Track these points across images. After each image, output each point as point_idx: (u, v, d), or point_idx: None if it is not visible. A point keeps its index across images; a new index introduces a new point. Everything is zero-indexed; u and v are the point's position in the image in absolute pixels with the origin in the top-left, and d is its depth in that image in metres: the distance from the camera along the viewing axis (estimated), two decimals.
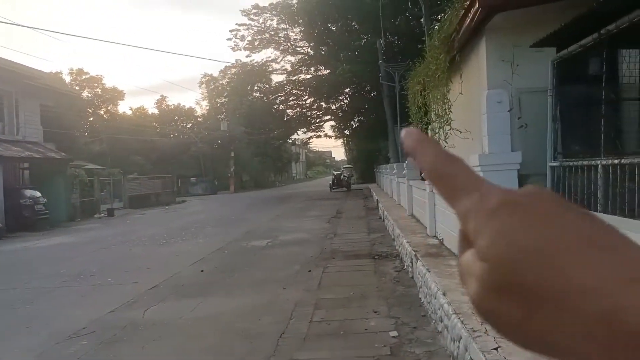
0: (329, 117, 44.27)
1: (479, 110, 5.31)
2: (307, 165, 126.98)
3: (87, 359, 5.41)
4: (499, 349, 3.39)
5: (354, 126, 43.42)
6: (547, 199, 0.34)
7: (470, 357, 3.62)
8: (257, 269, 9.90)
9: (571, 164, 4.15)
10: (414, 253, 7.47)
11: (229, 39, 38.94)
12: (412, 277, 7.68)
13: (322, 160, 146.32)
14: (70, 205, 28.01)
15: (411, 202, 13.16)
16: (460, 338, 3.93)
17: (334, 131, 47.68)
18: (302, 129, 45.92)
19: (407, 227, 10.72)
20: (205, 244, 14.20)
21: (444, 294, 5.00)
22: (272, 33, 38.86)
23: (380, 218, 17.15)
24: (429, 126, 8.35)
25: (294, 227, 16.69)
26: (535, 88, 5.19)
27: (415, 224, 11.22)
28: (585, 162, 3.84)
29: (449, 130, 6.03)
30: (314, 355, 5.03)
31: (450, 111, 5.98)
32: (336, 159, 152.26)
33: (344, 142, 75.43)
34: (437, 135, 6.67)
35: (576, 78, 4.24)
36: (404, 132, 0.43)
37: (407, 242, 8.54)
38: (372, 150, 55.37)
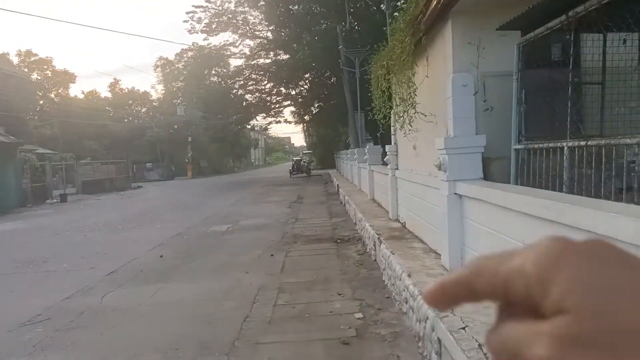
0: (289, 102, 43.97)
1: (444, 93, 5.32)
2: (266, 151, 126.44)
3: (43, 346, 5.21)
4: (466, 329, 3.42)
5: (314, 112, 43.29)
6: (604, 243, 0.33)
7: (438, 337, 3.64)
8: (218, 253, 9.77)
9: (536, 146, 4.20)
10: (377, 236, 7.50)
11: (186, 21, 37.96)
12: (375, 260, 7.71)
13: (281, 147, 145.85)
14: (20, 190, 27.09)
15: (372, 187, 13.23)
16: (427, 318, 3.96)
17: (293, 117, 47.46)
18: (262, 115, 45.49)
19: (369, 211, 10.77)
20: (164, 229, 13.93)
21: (409, 276, 5.03)
22: (230, 16, 38.15)
23: (342, 203, 17.19)
24: (392, 110, 8.36)
25: (255, 212, 16.57)
26: (500, 72, 5.22)
27: (376, 208, 11.29)
28: (551, 145, 3.89)
29: (414, 113, 6.02)
30: (279, 338, 4.98)
31: (415, 95, 5.97)
32: (295, 145, 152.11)
33: (303, 128, 75.35)
34: (401, 119, 6.67)
35: (542, 61, 4.28)
36: (424, 296, 0.39)
37: (370, 225, 8.57)
38: (331, 136, 55.58)
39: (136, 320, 5.92)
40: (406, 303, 4.97)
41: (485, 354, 2.99)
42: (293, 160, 47.17)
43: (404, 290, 5.05)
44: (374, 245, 7.75)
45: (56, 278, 8.60)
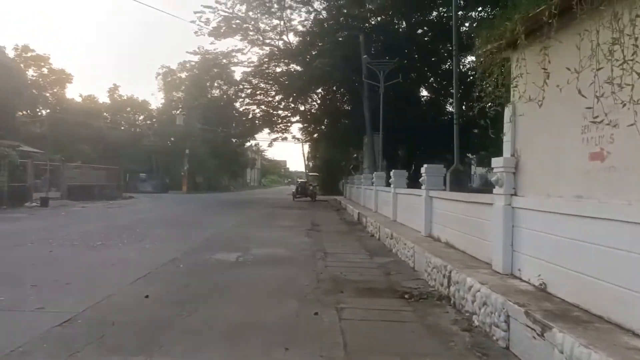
0: (297, 118, 41.00)
1: None
2: (262, 172, 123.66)
3: None
4: None
5: (324, 130, 40.28)
6: None
7: None
8: (231, 300, 6.60)
9: None
10: (522, 310, 4.38)
11: (193, 22, 35.04)
12: (507, 348, 4.59)
13: (277, 169, 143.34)
14: None
15: (429, 219, 10.13)
16: None
17: (302, 134, 44.41)
18: (267, 129, 42.42)
19: (446, 255, 7.62)
20: (154, 251, 10.81)
21: None
22: (239, 21, 35.37)
23: (373, 236, 14.08)
24: (512, 98, 5.40)
25: (267, 238, 13.40)
26: None
27: (448, 250, 8.13)
28: None
29: None
30: None
31: None
32: (290, 169, 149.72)
33: (303, 151, 72.41)
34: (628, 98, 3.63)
35: None
36: None
37: (482, 283, 5.43)
38: (336, 159, 52.50)
39: None
40: None
41: None
42: (298, 182, 44.02)
43: None
44: (506, 321, 4.62)
45: None
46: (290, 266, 9.18)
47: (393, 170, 14.76)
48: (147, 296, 6.59)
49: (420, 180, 10.69)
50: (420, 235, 10.23)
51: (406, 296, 6.78)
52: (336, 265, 9.21)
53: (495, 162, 6.27)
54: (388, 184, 18.06)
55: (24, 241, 12.00)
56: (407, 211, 12.87)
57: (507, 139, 6.23)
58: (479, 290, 5.37)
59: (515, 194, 6.00)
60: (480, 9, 27.12)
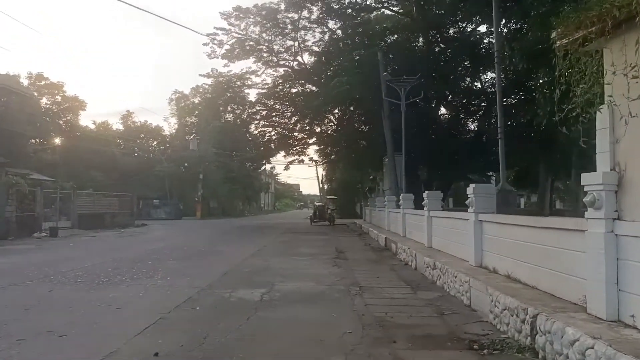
0: (314, 140, 39.92)
1: None
2: (276, 197, 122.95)
3: None
4: None
5: (340, 152, 39.15)
6: None
7: None
8: (261, 358, 5.33)
9: None
10: None
11: (206, 44, 34.32)
12: None
13: (290, 193, 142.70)
14: (2, 219, 22.90)
15: (480, 248, 8.82)
16: None
17: (319, 156, 43.26)
18: (282, 152, 41.35)
19: (514, 292, 6.30)
20: (166, 288, 9.58)
21: None
22: (253, 43, 34.68)
23: (407, 264, 12.76)
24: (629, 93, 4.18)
25: (291, 269, 12.14)
26: None
27: (519, 287, 6.72)
28: None
29: None
30: None
31: None
32: (303, 192, 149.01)
33: (317, 175, 71.23)
34: None
35: None
36: None
37: (592, 337, 4.11)
38: (353, 182, 51.41)
39: None
40: None
41: None
42: (315, 205, 42.79)
43: None
44: None
45: None
46: (324, 305, 7.89)
47: (426, 192, 13.47)
48: (156, 354, 5.32)
49: (467, 202, 9.40)
50: (470, 266, 8.90)
51: (475, 346, 5.46)
52: (378, 304, 7.90)
53: (590, 178, 4.99)
54: (414, 206, 16.80)
55: (23, 278, 10.84)
56: (445, 237, 11.56)
57: (602, 149, 4.97)
58: (592, 347, 4.04)
59: (618, 218, 4.72)
60: (504, 21, 26.02)
